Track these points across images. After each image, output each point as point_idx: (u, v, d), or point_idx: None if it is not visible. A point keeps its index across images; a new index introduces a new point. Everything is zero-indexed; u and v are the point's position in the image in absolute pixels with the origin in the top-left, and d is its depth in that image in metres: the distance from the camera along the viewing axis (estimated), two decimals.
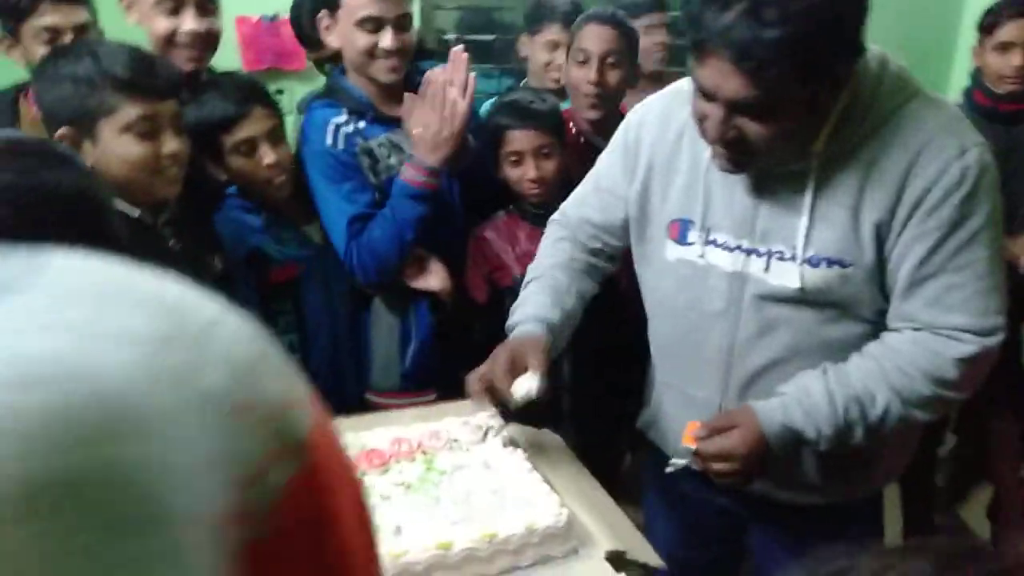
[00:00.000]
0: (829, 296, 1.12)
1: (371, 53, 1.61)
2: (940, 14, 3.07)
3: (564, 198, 1.71)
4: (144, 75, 1.29)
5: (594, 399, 1.72)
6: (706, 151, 1.17)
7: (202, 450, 0.26)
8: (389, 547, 1.00)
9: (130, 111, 1.28)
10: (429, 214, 1.63)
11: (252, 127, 1.61)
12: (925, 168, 1.05)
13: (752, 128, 1.02)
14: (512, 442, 1.27)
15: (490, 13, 2.89)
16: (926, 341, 1.09)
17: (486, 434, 1.27)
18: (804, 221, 1.10)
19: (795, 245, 1.11)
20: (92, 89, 1.27)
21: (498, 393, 1.21)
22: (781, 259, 1.14)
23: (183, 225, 1.48)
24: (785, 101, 0.99)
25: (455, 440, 1.25)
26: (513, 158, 1.64)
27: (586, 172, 1.45)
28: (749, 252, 1.16)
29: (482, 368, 1.23)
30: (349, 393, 1.81)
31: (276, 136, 1.64)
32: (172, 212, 1.45)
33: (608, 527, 1.16)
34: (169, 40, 1.68)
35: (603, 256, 1.41)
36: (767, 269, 1.15)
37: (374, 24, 1.58)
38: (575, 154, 1.76)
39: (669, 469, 1.18)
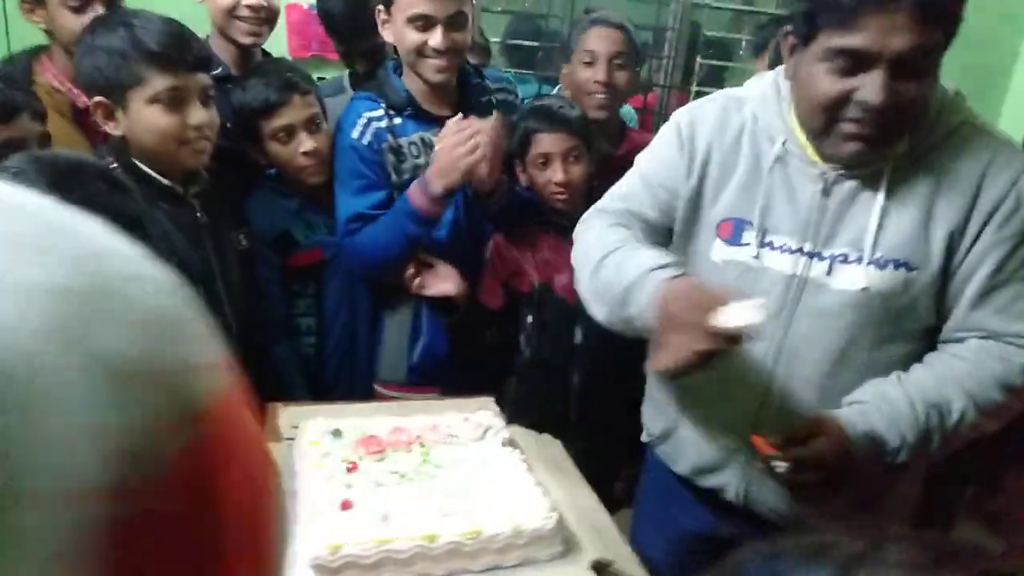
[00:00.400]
0: (889, 301, 1.12)
1: (420, 51, 1.62)
2: (995, 48, 3.01)
3: (586, 207, 1.72)
4: (174, 48, 1.34)
5: (602, 411, 1.71)
6: (767, 152, 1.16)
7: (80, 418, 0.23)
8: (375, 533, 1.02)
9: (158, 83, 1.33)
10: (424, 236, 1.64)
11: (291, 115, 1.65)
12: (997, 178, 1.07)
13: (908, 89, 1.02)
14: (511, 443, 1.28)
15: (537, 20, 2.90)
16: (994, 349, 1.10)
17: (485, 432, 1.27)
18: (875, 221, 1.11)
19: (863, 247, 1.11)
20: (124, 60, 1.32)
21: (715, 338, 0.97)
22: (845, 262, 1.13)
23: (212, 199, 1.53)
24: (937, 53, 1.01)
25: (454, 435, 1.26)
26: (541, 160, 1.64)
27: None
28: (812, 255, 1.15)
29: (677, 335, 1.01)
30: (359, 381, 1.84)
31: (314, 125, 1.68)
32: (203, 185, 1.50)
33: (597, 536, 1.17)
34: (231, 12, 1.73)
35: None
36: (829, 272, 1.14)
37: (424, 22, 1.59)
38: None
39: (780, 470, 1.08)
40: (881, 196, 1.10)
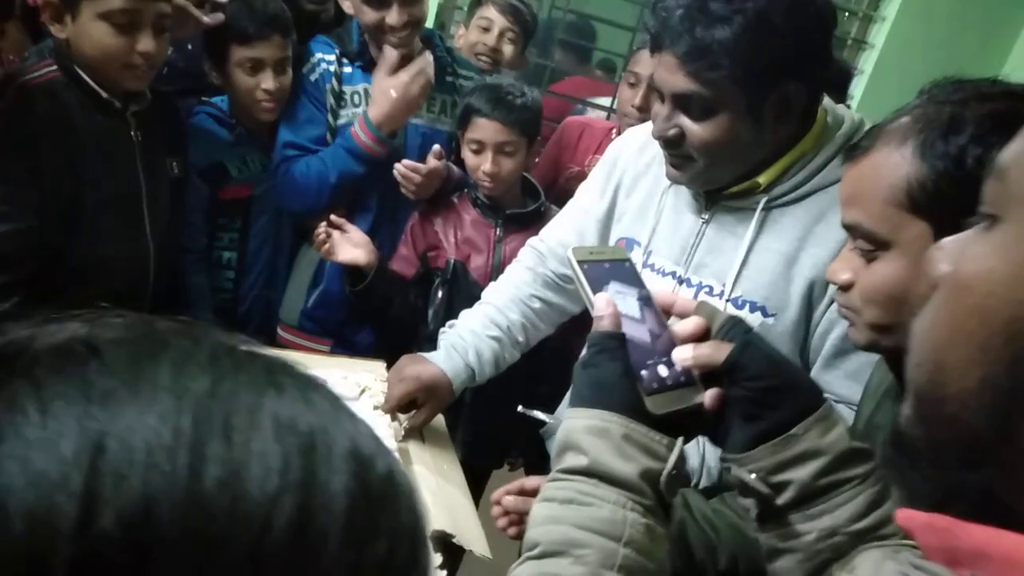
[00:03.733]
0: None
1: (379, 27, 1.62)
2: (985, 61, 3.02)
3: (522, 197, 1.74)
4: None
5: (498, 397, 1.73)
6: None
7: None
8: None
9: (113, 1, 1.30)
10: (361, 174, 1.66)
11: (265, 51, 1.63)
12: None
13: (691, 128, 1.04)
14: (385, 409, 1.30)
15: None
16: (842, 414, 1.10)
17: (362, 393, 1.30)
18: (739, 259, 1.11)
19: (725, 282, 1.12)
20: None
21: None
22: (709, 294, 1.14)
23: (151, 119, 1.51)
24: (725, 102, 1.01)
25: None
26: (474, 145, 1.63)
27: None
28: (681, 281, 1.18)
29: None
30: (270, 322, 1.85)
31: (282, 66, 1.67)
32: (143, 104, 1.48)
33: (448, 512, 1.19)
34: None
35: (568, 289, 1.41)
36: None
37: (379, 1, 1.59)
38: None
39: None
40: (750, 233, 1.10)
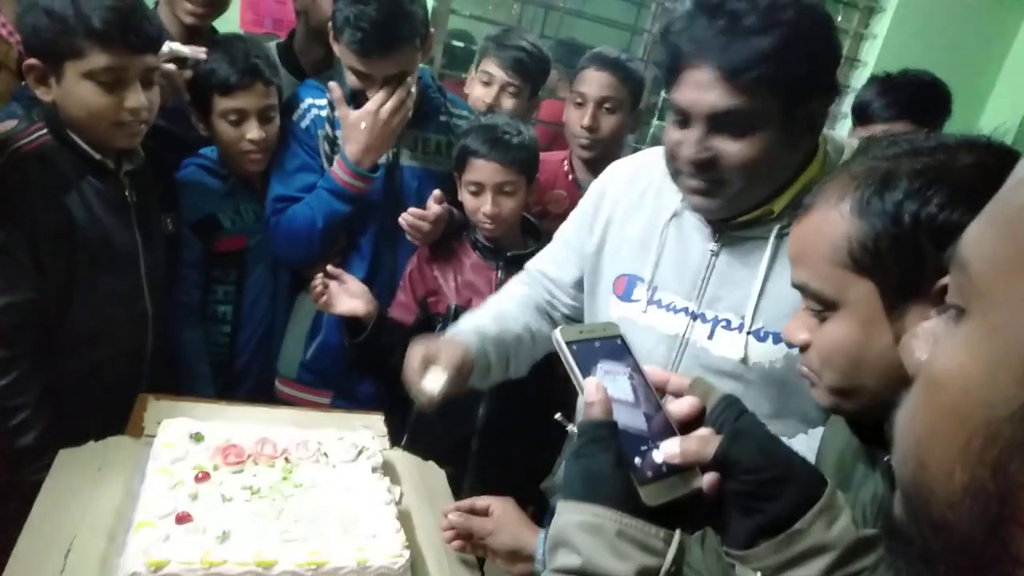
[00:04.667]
0: (769, 376, 1.07)
1: (362, 91, 1.60)
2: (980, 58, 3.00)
3: (522, 237, 1.68)
4: (119, 26, 1.26)
5: (505, 447, 1.66)
6: (669, 207, 1.14)
7: None
8: (208, 552, 0.96)
9: (97, 59, 1.26)
10: (347, 213, 1.61)
11: (248, 100, 1.60)
12: None
13: (728, 148, 1.00)
14: (383, 470, 1.22)
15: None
16: None
17: (359, 454, 1.22)
18: (756, 290, 1.07)
19: (744, 315, 1.07)
20: (64, 29, 1.25)
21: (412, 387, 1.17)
22: (727, 328, 1.09)
23: (144, 178, 1.48)
24: (764, 117, 0.98)
25: (324, 454, 1.21)
26: (473, 188, 1.58)
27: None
28: (695, 316, 1.12)
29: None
30: (268, 376, 1.79)
31: (267, 115, 1.64)
32: (137, 163, 1.45)
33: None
34: None
35: (556, 315, 1.37)
36: (711, 336, 1.11)
37: (363, 77, 1.57)
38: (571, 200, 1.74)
39: None
40: (765, 262, 1.06)
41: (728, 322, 1.09)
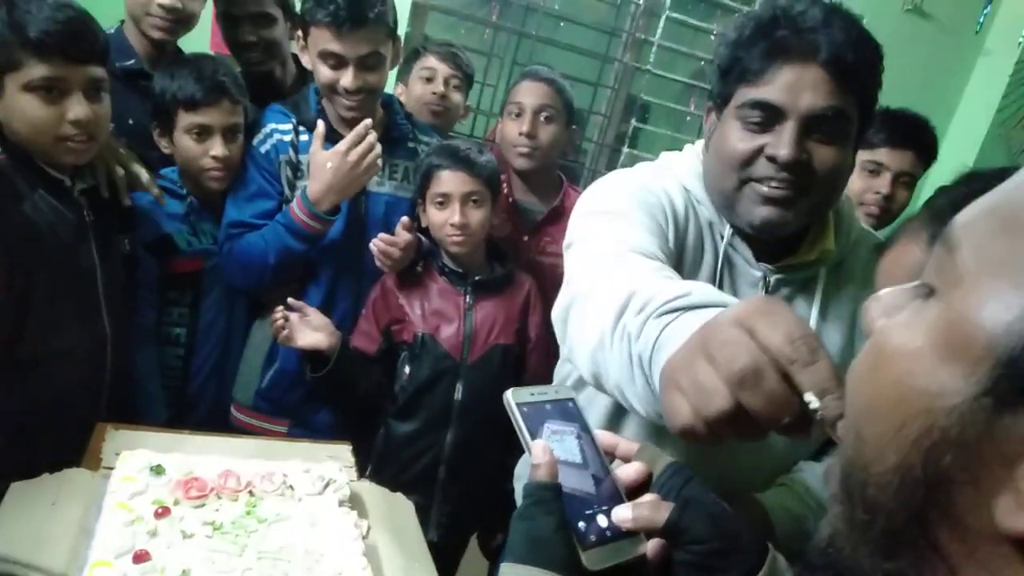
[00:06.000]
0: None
1: (332, 88, 1.58)
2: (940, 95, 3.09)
3: (487, 259, 1.67)
4: (57, 36, 1.23)
5: (473, 471, 1.64)
6: (717, 246, 1.06)
7: None
8: None
9: (35, 70, 1.23)
10: (301, 251, 1.59)
11: (213, 116, 1.58)
12: None
13: (821, 152, 0.97)
14: (350, 503, 1.19)
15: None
16: None
17: (326, 487, 1.19)
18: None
19: None
20: (2, 41, 1.22)
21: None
22: None
23: (101, 196, 1.43)
24: (852, 126, 0.99)
25: (290, 487, 1.18)
26: (439, 199, 1.57)
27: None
28: None
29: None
30: (224, 402, 1.74)
31: (232, 133, 1.62)
32: (92, 182, 1.40)
33: None
34: (144, 6, 1.67)
35: None
36: None
37: (335, 60, 1.55)
38: (504, 214, 1.74)
39: None
40: (816, 306, 1.06)
41: None
